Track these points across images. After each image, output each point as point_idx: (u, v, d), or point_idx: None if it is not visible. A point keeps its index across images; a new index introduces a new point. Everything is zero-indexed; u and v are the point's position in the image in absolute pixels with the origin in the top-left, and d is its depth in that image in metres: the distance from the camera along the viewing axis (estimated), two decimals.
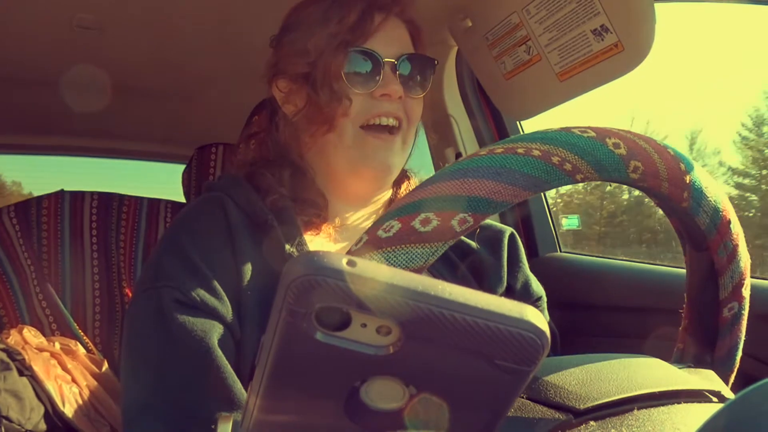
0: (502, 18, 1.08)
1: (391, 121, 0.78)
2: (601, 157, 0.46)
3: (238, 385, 0.65)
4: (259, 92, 0.99)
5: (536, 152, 0.44)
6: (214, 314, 0.67)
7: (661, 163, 0.48)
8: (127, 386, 0.69)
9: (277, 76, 0.82)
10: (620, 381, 0.42)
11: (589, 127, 0.48)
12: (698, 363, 0.55)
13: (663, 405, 0.40)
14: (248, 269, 0.71)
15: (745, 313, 0.55)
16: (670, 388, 0.42)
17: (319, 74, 0.76)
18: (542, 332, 0.25)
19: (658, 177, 0.48)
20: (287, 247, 0.72)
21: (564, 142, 0.45)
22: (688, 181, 0.49)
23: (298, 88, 0.80)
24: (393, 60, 0.78)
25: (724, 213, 0.51)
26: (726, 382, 0.54)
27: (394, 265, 0.42)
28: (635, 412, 0.39)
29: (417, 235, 0.42)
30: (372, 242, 0.43)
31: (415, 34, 0.83)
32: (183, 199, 1.32)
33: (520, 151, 0.44)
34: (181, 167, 1.29)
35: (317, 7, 0.80)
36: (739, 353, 0.56)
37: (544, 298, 0.88)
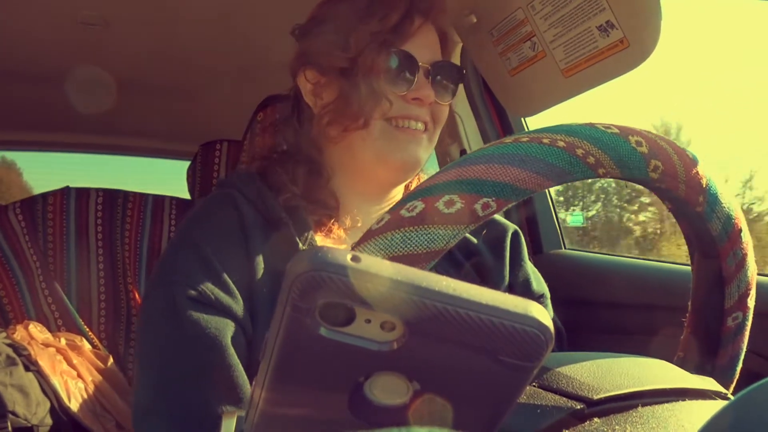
0: (508, 14, 1.08)
1: (419, 126, 0.79)
2: (623, 153, 0.46)
3: (248, 385, 0.65)
4: (263, 89, 0.99)
5: (561, 143, 0.44)
6: (227, 311, 0.68)
7: (680, 164, 0.48)
8: (139, 382, 0.69)
9: (306, 66, 0.81)
10: (631, 376, 0.42)
11: (612, 124, 0.48)
12: (699, 371, 0.55)
13: (667, 402, 0.40)
14: (260, 266, 0.71)
15: (749, 323, 0.55)
16: (678, 386, 0.42)
17: (361, 71, 0.76)
18: (546, 328, 0.25)
19: (677, 178, 0.48)
20: (299, 244, 0.72)
21: (588, 136, 0.45)
22: (704, 185, 0.49)
23: (330, 81, 0.79)
24: (427, 65, 0.78)
25: (736, 220, 0.51)
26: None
27: (415, 245, 0.42)
28: (639, 408, 0.39)
29: (440, 216, 0.42)
30: (394, 221, 0.42)
31: (444, 43, 0.84)
32: (188, 196, 1.32)
33: (545, 141, 0.44)
34: (186, 164, 1.29)
35: (356, 3, 0.79)
36: (740, 364, 0.56)
37: (547, 295, 0.88)
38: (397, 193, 0.86)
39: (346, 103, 0.77)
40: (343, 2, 0.81)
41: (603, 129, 0.46)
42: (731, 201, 0.51)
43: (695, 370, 0.55)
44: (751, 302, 0.54)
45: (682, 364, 0.57)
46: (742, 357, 0.56)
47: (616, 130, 0.47)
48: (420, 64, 0.77)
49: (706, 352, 0.56)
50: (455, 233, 0.42)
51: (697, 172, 0.49)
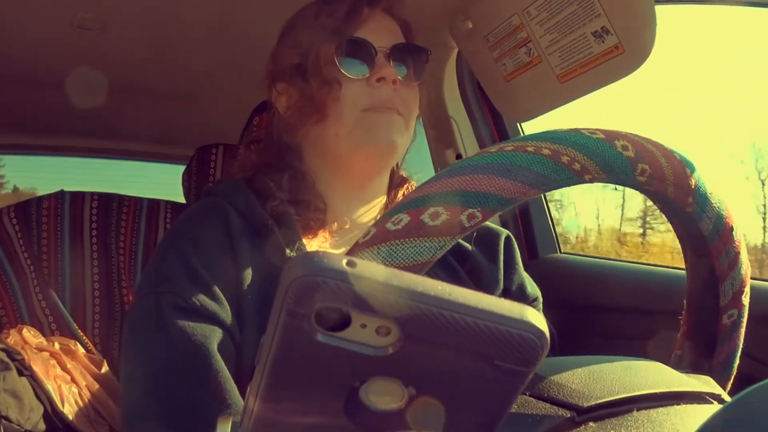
0: (503, 19, 1.08)
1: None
2: (609, 158, 0.46)
3: (235, 391, 0.65)
4: (260, 93, 0.99)
5: (546, 151, 0.44)
6: (214, 319, 0.67)
7: (667, 166, 0.48)
8: (126, 391, 0.69)
9: (275, 81, 0.84)
10: (623, 381, 0.42)
11: (598, 129, 0.48)
12: (696, 369, 0.55)
13: (662, 406, 0.40)
14: (248, 273, 0.71)
15: (744, 320, 0.55)
16: (672, 389, 0.42)
17: (311, 62, 0.78)
18: (542, 333, 0.25)
19: (665, 181, 0.48)
20: (287, 251, 0.72)
21: (573, 142, 0.45)
22: (693, 186, 0.49)
23: (293, 85, 0.81)
24: (386, 48, 0.79)
25: (727, 219, 0.51)
26: (723, 389, 0.55)
27: (402, 259, 0.42)
28: (634, 413, 0.39)
29: (426, 229, 0.42)
30: (380, 235, 0.42)
31: (405, 30, 0.85)
32: (183, 200, 1.32)
33: (530, 149, 0.45)
34: (182, 168, 1.29)
35: (309, 8, 0.82)
36: (737, 361, 0.56)
37: (540, 299, 0.88)
38: (382, 188, 0.86)
39: (305, 98, 0.78)
40: (298, 14, 0.84)
41: (588, 135, 0.46)
42: (721, 200, 0.51)
43: (692, 368, 0.55)
44: (745, 299, 0.54)
45: (679, 363, 0.57)
46: (738, 354, 0.56)
47: (602, 135, 0.47)
48: (377, 47, 0.78)
49: (703, 350, 0.56)
50: (441, 245, 0.42)
51: (686, 174, 0.49)
